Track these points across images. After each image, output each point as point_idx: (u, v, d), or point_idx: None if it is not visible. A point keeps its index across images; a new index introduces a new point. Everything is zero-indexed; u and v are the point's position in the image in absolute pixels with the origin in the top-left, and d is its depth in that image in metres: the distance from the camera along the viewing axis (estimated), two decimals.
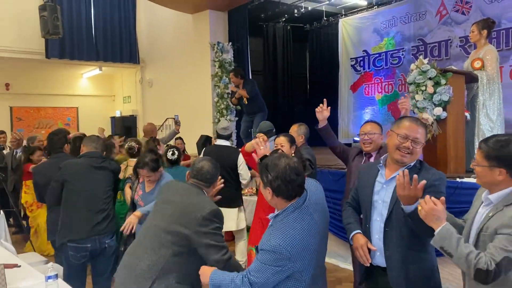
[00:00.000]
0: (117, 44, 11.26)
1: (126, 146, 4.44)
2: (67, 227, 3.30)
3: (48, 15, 7.56)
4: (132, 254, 2.35)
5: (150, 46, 11.55)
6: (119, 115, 13.18)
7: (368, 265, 2.23)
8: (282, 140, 3.49)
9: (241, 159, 4.19)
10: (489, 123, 4.07)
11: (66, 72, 12.59)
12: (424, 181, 1.95)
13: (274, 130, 4.45)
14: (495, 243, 1.73)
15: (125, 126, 12.11)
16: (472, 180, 3.78)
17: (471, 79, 4.19)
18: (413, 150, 2.15)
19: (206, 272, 2.03)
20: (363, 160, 3.43)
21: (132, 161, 4.01)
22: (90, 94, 13.63)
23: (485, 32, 4.28)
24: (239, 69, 7.72)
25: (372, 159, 3.35)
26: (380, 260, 2.24)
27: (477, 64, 4.20)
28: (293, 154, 3.30)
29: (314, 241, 1.93)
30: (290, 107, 11.75)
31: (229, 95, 8.38)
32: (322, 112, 3.56)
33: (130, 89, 12.83)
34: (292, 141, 3.51)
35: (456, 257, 1.77)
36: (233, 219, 4.28)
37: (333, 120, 11.24)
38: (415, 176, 1.96)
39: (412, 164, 2.19)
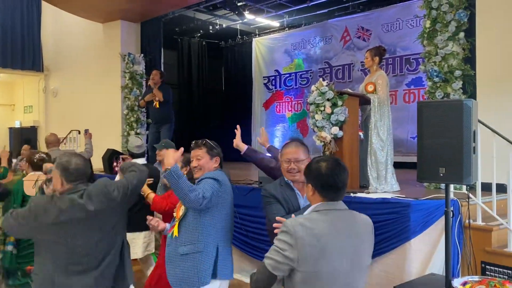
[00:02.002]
0: (18, 50, 10.48)
1: (37, 157, 4.00)
2: None
3: None
4: None
5: (56, 54, 10.90)
6: (19, 126, 12.17)
7: None
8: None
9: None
10: (380, 142, 4.42)
11: None
12: None
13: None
14: None
15: (24, 138, 11.21)
16: (364, 195, 4.07)
17: (365, 101, 4.53)
18: (299, 167, 2.37)
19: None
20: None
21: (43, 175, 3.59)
22: None
23: (377, 59, 4.69)
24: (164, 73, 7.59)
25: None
26: None
27: (370, 88, 4.57)
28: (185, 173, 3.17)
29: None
30: (205, 122, 11.74)
31: (139, 107, 8.16)
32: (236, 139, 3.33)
33: (32, 98, 11.95)
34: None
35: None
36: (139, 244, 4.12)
37: (246, 135, 11.60)
38: None
39: None
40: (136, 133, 8.23)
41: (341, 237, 1.85)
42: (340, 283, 1.85)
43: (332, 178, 1.92)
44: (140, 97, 7.94)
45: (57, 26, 10.79)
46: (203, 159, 2.87)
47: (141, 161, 4.26)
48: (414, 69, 7.91)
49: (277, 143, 9.89)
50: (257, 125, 10.80)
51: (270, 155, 3.45)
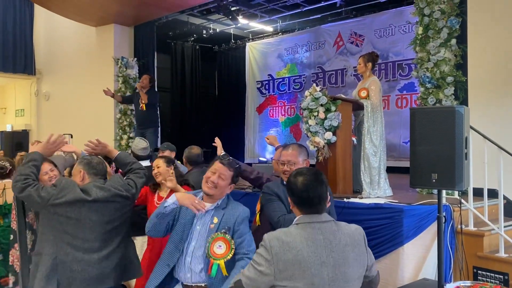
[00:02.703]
0: (9, 53, 10.41)
1: None
2: None
3: None
4: None
5: (49, 57, 10.83)
6: (10, 130, 12.06)
7: None
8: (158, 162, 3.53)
9: None
10: (373, 148, 4.44)
11: None
12: None
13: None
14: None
15: (16, 141, 11.09)
16: (357, 200, 4.09)
17: (358, 106, 4.56)
18: (291, 168, 2.57)
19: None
20: None
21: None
22: None
23: (369, 64, 4.72)
24: (154, 78, 7.74)
25: None
26: None
27: (363, 94, 4.59)
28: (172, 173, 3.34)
29: None
30: (198, 126, 11.72)
31: (132, 111, 8.18)
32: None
33: (24, 101, 11.86)
34: (168, 161, 3.52)
35: None
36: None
37: (239, 140, 11.64)
38: None
39: None
40: (129, 137, 8.20)
41: (320, 250, 1.82)
42: None
43: (307, 193, 1.91)
44: (119, 93, 8.11)
45: (49, 30, 10.73)
46: (225, 182, 2.58)
47: (146, 163, 4.30)
48: (406, 74, 7.97)
49: (270, 148, 9.90)
50: (250, 129, 10.81)
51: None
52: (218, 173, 2.57)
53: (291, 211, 2.71)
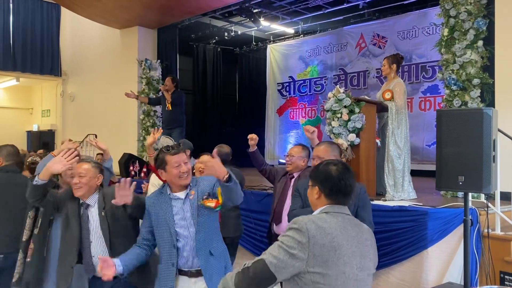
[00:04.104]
0: (37, 55, 10.70)
1: (29, 160, 4.11)
2: None
3: None
4: None
5: (74, 59, 11.09)
6: (37, 130, 12.39)
7: None
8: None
9: None
10: (397, 150, 4.41)
11: None
12: None
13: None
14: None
15: (42, 141, 11.41)
16: (381, 202, 4.07)
17: (382, 108, 4.54)
18: None
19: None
20: (286, 181, 3.60)
21: None
22: (5, 106, 12.71)
23: (394, 66, 4.69)
24: (178, 78, 7.88)
25: (293, 180, 3.51)
26: None
27: (387, 95, 4.56)
28: None
29: None
30: (219, 127, 11.81)
31: (156, 112, 8.34)
32: (251, 141, 3.82)
33: (50, 102, 12.17)
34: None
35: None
36: None
37: (260, 142, 11.53)
38: None
39: None
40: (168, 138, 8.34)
41: (351, 240, 1.79)
42: None
43: (343, 182, 1.86)
44: (143, 94, 8.26)
45: (75, 32, 10.99)
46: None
47: None
48: (430, 76, 7.88)
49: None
50: (270, 131, 10.83)
51: None
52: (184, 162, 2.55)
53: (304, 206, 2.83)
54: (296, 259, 1.67)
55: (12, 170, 3.47)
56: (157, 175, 2.73)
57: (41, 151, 7.20)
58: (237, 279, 1.71)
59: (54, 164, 2.56)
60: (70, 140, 3.22)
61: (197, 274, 2.48)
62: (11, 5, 10.39)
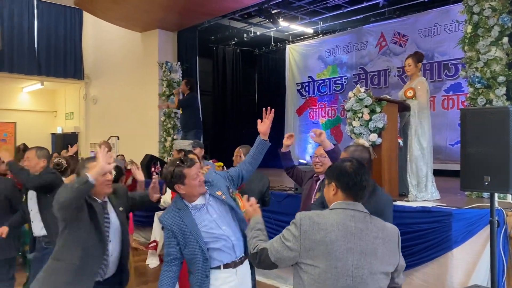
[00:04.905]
0: (61, 59, 10.94)
1: (55, 161, 4.19)
2: None
3: None
4: None
5: (96, 62, 11.29)
6: (61, 132, 12.67)
7: None
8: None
9: None
10: (420, 150, 4.33)
11: (5, 85, 12.01)
12: None
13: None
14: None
15: (66, 143, 11.63)
16: (404, 203, 4.01)
17: (403, 107, 4.47)
18: None
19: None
20: (311, 183, 3.50)
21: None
22: (30, 109, 13.03)
23: (420, 65, 4.60)
24: (193, 80, 7.95)
25: (318, 183, 3.42)
26: None
27: (410, 93, 4.49)
28: None
29: None
30: (239, 128, 11.86)
31: (176, 114, 8.46)
32: (287, 140, 3.56)
33: (73, 105, 12.42)
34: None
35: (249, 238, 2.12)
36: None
37: (279, 142, 11.59)
38: None
39: None
40: (173, 139, 8.42)
41: (349, 237, 1.84)
42: (343, 284, 1.82)
43: (359, 177, 1.94)
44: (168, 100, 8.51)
45: (97, 36, 11.19)
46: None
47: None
48: (452, 74, 7.73)
49: (310, 150, 9.87)
50: (290, 131, 10.77)
51: None
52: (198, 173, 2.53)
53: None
54: (290, 250, 1.87)
55: (53, 172, 3.61)
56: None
57: (64, 152, 7.35)
58: (252, 257, 2.04)
59: (105, 164, 2.46)
60: (104, 142, 3.33)
61: (241, 262, 2.50)
62: (35, 10, 10.65)
